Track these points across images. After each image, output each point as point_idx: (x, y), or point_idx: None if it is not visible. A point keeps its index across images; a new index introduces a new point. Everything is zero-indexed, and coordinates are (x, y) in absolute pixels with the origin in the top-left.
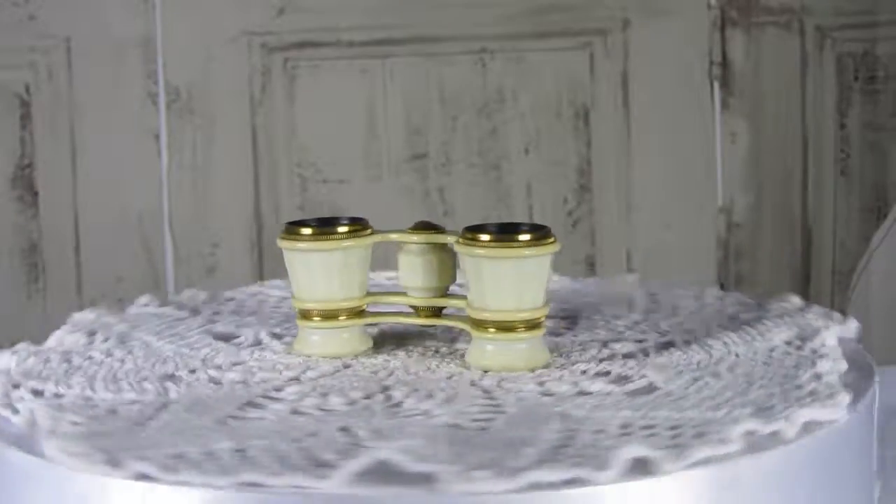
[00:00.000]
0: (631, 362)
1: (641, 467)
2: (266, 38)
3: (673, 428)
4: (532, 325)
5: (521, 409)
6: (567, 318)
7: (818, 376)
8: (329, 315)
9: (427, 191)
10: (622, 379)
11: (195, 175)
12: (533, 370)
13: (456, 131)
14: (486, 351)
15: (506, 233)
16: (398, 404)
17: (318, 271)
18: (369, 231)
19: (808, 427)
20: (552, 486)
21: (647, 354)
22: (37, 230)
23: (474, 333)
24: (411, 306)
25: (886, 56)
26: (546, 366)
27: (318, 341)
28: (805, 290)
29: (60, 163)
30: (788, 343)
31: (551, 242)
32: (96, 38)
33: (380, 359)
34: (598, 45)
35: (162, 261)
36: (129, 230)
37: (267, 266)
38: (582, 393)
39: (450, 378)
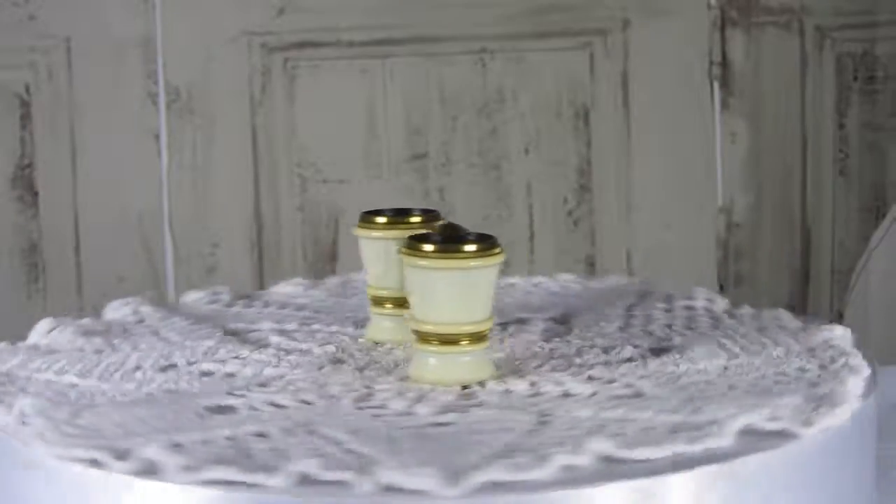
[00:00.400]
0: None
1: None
2: (266, 38)
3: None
4: (477, 338)
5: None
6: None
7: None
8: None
9: (427, 191)
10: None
11: (195, 175)
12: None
13: (456, 131)
14: (429, 364)
15: (451, 242)
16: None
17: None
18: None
19: (810, 427)
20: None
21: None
22: (37, 230)
23: (417, 346)
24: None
25: (885, 56)
26: (496, 378)
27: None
28: (804, 289)
29: (60, 163)
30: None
31: (497, 253)
32: (96, 38)
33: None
34: (598, 45)
35: (162, 261)
36: (129, 230)
37: (267, 266)
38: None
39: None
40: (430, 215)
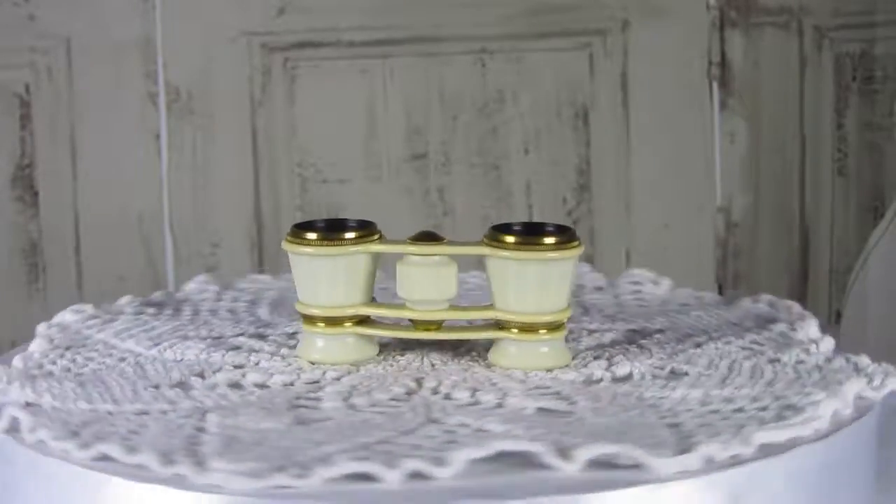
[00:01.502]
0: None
1: None
2: (266, 38)
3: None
4: (554, 327)
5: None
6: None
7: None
8: (333, 322)
9: (427, 190)
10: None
11: (195, 175)
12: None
13: (456, 131)
14: (509, 352)
15: (531, 234)
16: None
17: (323, 277)
18: (377, 237)
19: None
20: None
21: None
22: (37, 230)
23: (498, 334)
24: (410, 319)
25: (884, 56)
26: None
27: (323, 347)
28: (803, 289)
29: (60, 163)
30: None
31: (576, 245)
32: (96, 39)
33: (401, 360)
34: (597, 45)
35: (162, 260)
36: (129, 230)
37: (267, 266)
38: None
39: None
40: (366, 229)
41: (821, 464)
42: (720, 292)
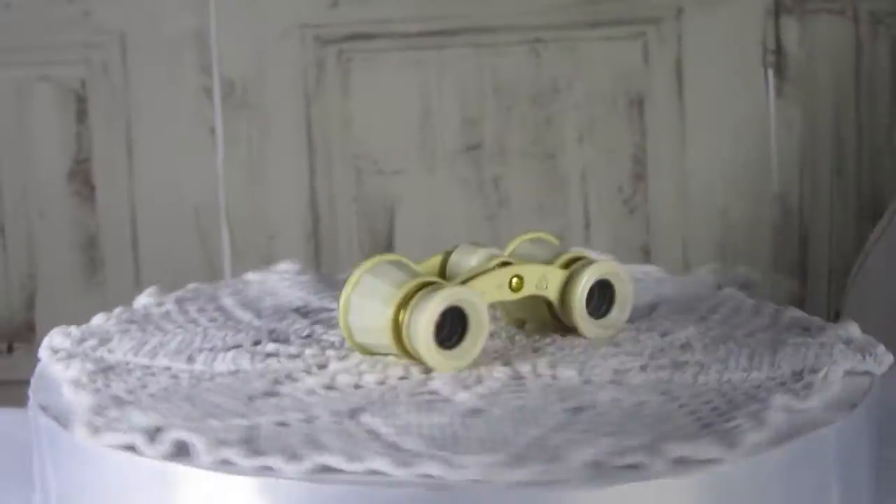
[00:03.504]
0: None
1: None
2: (320, 30)
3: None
4: None
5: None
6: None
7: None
8: None
9: (482, 181)
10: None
11: (251, 168)
12: None
13: (510, 121)
14: None
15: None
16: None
17: None
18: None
19: (806, 427)
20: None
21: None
22: (94, 224)
23: None
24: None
25: None
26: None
27: None
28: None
29: (117, 157)
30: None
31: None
32: (150, 33)
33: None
34: (651, 33)
35: (219, 254)
36: (186, 223)
37: (324, 257)
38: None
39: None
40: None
41: (820, 464)
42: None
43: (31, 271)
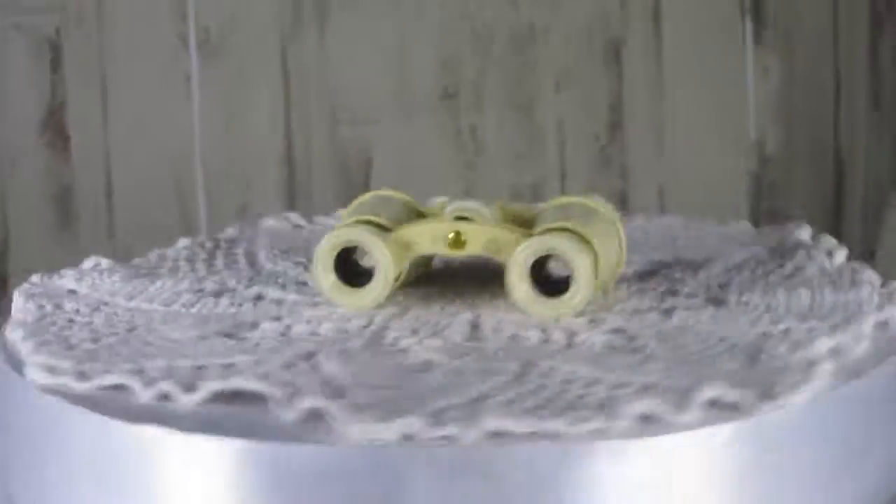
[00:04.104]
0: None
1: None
2: None
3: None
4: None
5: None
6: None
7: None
8: None
9: (459, 129)
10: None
11: (227, 116)
12: None
13: (487, 68)
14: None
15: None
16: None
17: None
18: None
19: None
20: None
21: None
22: (69, 174)
23: None
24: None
25: None
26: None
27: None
28: (837, 222)
29: (91, 107)
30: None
31: None
32: None
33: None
34: None
35: (195, 202)
36: (161, 172)
37: (299, 206)
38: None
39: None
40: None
41: (851, 410)
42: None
43: (3, 222)
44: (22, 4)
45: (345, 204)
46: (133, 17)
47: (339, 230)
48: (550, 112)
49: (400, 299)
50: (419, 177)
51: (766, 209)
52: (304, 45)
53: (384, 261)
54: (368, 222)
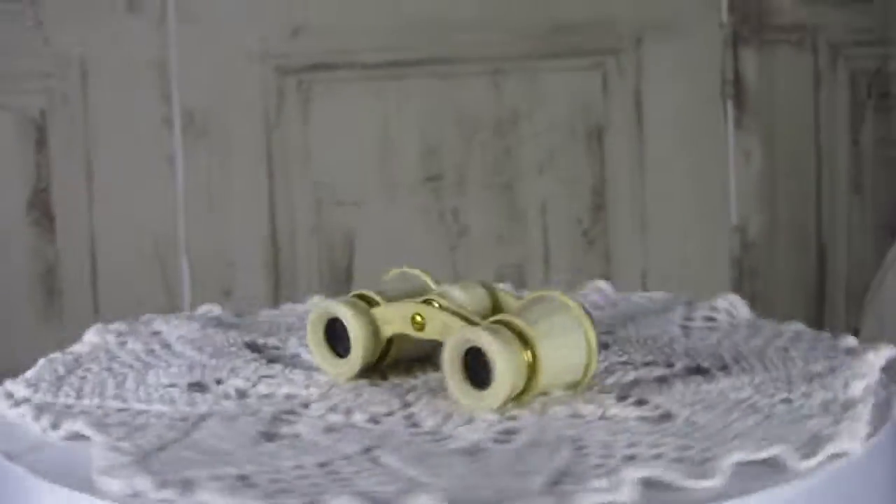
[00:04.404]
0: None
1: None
2: (280, 60)
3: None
4: None
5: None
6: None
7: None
8: None
9: (441, 211)
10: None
11: (210, 197)
12: None
13: (470, 152)
14: None
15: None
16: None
17: None
18: None
19: (829, 457)
20: None
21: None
22: (53, 254)
23: None
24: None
25: None
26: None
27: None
28: (819, 306)
29: (76, 187)
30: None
31: None
32: (111, 62)
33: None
34: (610, 64)
35: (179, 283)
36: (145, 253)
37: (283, 288)
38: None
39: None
40: None
41: (841, 489)
42: None
43: None
44: (7, 85)
45: (328, 286)
46: (117, 98)
47: (324, 304)
48: (533, 195)
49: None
50: (403, 258)
51: (748, 292)
52: (289, 128)
53: (356, 336)
54: (364, 297)
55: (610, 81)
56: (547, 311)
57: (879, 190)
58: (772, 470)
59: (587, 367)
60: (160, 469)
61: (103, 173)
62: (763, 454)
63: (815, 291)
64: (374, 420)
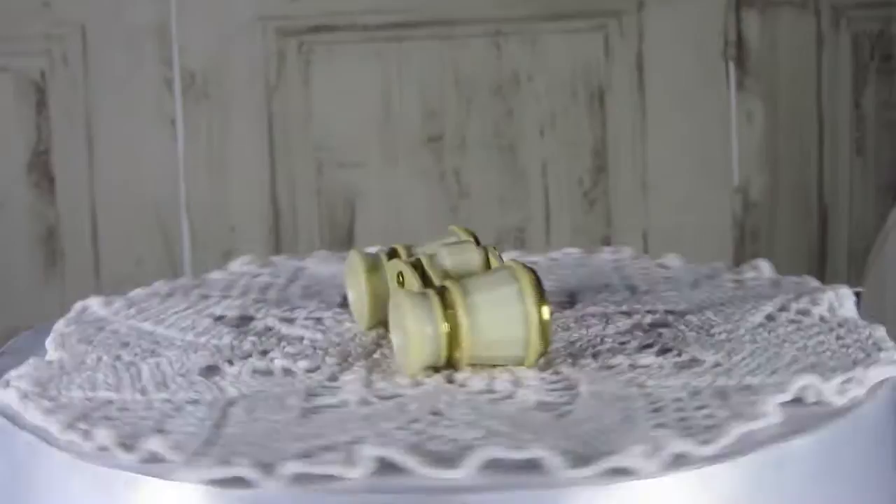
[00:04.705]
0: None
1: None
2: (280, 22)
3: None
4: None
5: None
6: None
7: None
8: None
9: (443, 173)
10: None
11: (211, 160)
12: None
13: (471, 114)
14: None
15: None
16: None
17: None
18: None
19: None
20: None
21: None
22: (54, 216)
23: None
24: None
25: None
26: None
27: None
28: (821, 269)
29: (77, 149)
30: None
31: None
32: (111, 25)
33: None
34: (612, 26)
35: (179, 245)
36: (146, 215)
37: (284, 249)
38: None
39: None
40: None
41: (840, 449)
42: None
43: None
44: (8, 48)
45: (329, 247)
46: (118, 60)
47: (355, 255)
48: (534, 156)
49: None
50: (404, 219)
51: (749, 253)
52: (289, 89)
53: (355, 294)
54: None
55: (612, 44)
56: (491, 282)
57: (881, 152)
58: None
59: (528, 342)
60: (248, 452)
61: (104, 135)
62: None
63: (817, 252)
64: (418, 383)
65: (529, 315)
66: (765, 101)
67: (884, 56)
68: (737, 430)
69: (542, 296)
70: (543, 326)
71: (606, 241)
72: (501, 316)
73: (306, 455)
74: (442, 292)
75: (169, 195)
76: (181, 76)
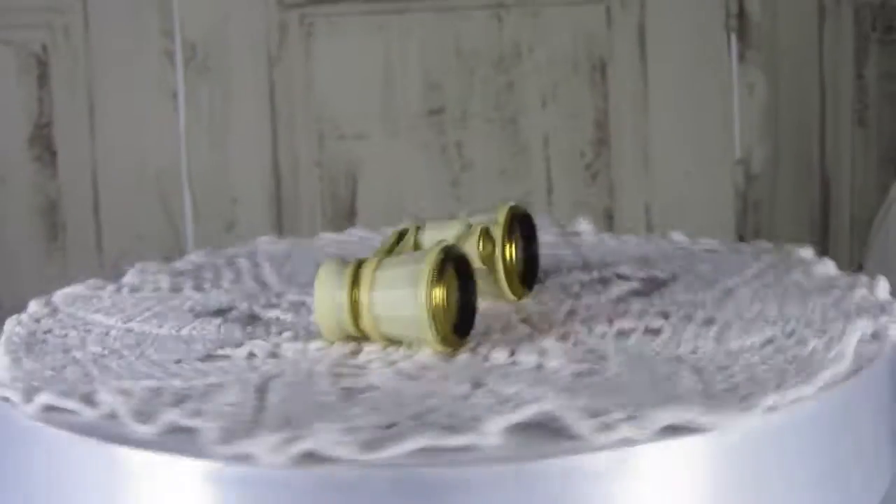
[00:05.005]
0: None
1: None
2: None
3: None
4: None
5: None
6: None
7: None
8: None
9: (444, 146)
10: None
11: (213, 132)
12: None
13: (473, 86)
14: None
15: None
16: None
17: None
18: None
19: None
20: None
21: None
22: (55, 189)
23: None
24: None
25: None
26: None
27: None
28: (823, 240)
29: (78, 122)
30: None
31: None
32: None
33: None
34: None
35: (181, 218)
36: (147, 188)
37: (286, 221)
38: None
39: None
40: None
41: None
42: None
43: None
44: (9, 20)
45: (331, 220)
46: (119, 33)
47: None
48: (536, 129)
49: None
50: (406, 192)
51: (752, 226)
52: (291, 61)
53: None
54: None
55: (613, 16)
56: (402, 261)
57: (884, 123)
58: None
59: (419, 324)
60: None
61: (105, 108)
62: None
63: (819, 224)
64: (444, 359)
65: (419, 297)
66: (766, 72)
67: (886, 27)
68: (823, 375)
69: (440, 278)
70: (435, 309)
71: (609, 214)
72: (392, 296)
73: (422, 424)
74: (358, 266)
75: (170, 167)
76: (182, 49)
